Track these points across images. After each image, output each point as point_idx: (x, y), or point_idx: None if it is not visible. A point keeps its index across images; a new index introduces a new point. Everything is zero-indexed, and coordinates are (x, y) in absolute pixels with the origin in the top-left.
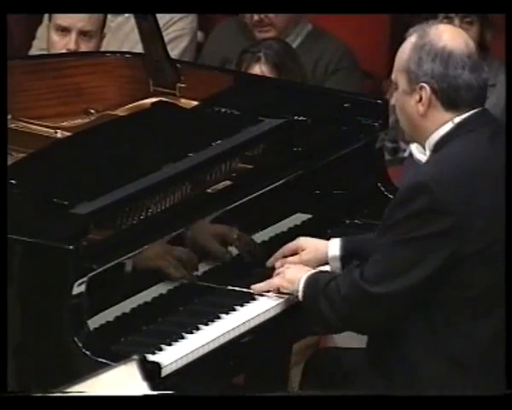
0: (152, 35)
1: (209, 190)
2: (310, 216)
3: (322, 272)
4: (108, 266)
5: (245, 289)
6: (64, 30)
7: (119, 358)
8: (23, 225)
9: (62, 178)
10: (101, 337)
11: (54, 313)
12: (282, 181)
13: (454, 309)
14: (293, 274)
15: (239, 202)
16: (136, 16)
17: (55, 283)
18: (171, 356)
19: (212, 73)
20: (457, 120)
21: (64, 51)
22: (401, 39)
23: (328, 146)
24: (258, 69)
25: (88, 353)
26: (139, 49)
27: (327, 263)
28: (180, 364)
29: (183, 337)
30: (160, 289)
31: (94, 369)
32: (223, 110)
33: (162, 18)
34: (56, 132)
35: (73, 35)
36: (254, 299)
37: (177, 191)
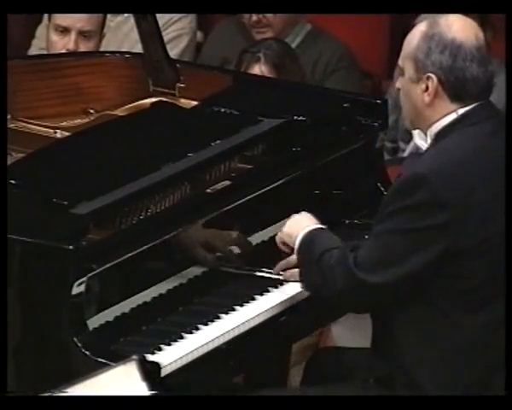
0: (151, 35)
1: (208, 190)
2: None
3: (319, 230)
4: (108, 266)
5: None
6: (63, 30)
7: (118, 358)
8: (23, 225)
9: (62, 178)
10: (101, 337)
11: (53, 313)
12: (281, 181)
13: (452, 301)
14: (291, 226)
15: (238, 202)
16: (135, 16)
17: (54, 283)
18: (170, 356)
19: (211, 73)
20: (462, 111)
21: (63, 51)
22: (401, 40)
23: (327, 146)
24: (258, 69)
25: (87, 353)
26: (138, 48)
27: None
28: (179, 364)
29: (182, 337)
30: (159, 289)
31: (93, 369)
32: (222, 110)
33: (162, 18)
34: (56, 132)
35: (73, 35)
36: (254, 299)
37: (177, 191)
